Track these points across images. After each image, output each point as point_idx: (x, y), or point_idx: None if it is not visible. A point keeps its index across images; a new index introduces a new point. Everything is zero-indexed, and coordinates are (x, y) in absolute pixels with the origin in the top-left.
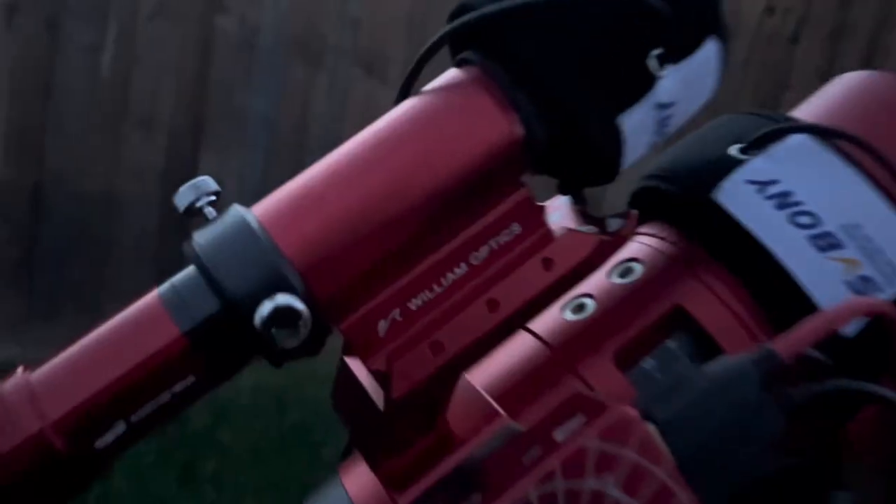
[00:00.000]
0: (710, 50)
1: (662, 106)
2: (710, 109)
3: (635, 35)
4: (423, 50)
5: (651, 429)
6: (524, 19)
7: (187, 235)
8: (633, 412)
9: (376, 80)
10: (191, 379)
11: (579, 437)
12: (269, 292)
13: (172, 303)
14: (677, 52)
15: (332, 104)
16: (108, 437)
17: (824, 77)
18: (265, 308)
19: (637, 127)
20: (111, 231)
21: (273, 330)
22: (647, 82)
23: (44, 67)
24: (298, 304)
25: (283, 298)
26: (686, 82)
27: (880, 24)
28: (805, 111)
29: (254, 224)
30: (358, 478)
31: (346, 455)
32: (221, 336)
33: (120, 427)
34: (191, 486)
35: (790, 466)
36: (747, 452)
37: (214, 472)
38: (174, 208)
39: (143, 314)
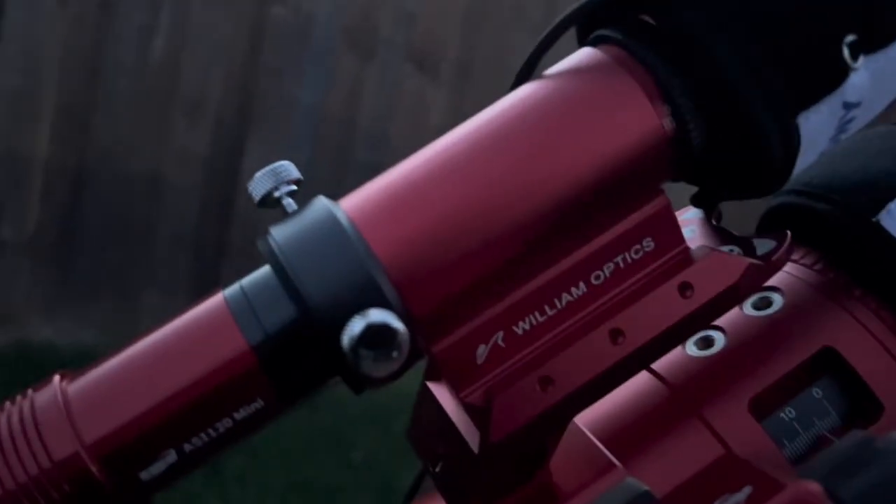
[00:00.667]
0: None
1: (849, 105)
2: None
3: (831, 13)
4: (555, 22)
5: None
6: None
7: (229, 223)
8: (817, 489)
9: (427, 77)
10: (257, 403)
11: None
12: (362, 306)
13: (241, 310)
14: (876, 40)
15: (381, 99)
16: (156, 468)
17: None
18: (356, 325)
19: (817, 129)
20: (152, 215)
21: (363, 352)
22: (839, 75)
23: (95, 47)
24: (396, 323)
25: (377, 315)
26: (878, 78)
27: None
28: None
29: (344, 222)
30: None
31: (412, 494)
32: (298, 354)
33: (171, 457)
34: (216, 484)
35: None
36: None
37: (240, 471)
38: (217, 195)
39: (205, 321)
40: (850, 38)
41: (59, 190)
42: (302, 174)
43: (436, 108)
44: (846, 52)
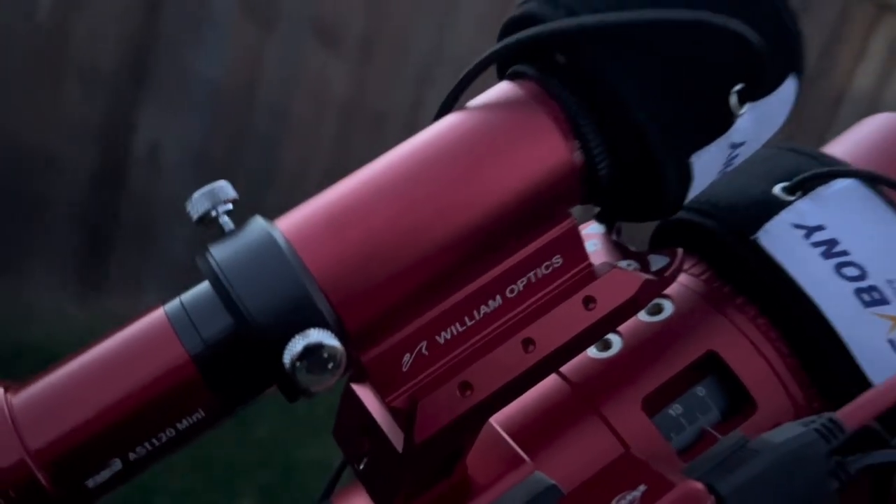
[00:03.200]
0: (789, 88)
1: (735, 145)
2: None
3: (722, 68)
4: (476, 61)
5: None
6: (606, 39)
7: (121, 197)
8: (700, 487)
9: (330, 51)
10: (199, 413)
11: None
12: (301, 326)
13: (182, 325)
14: (759, 90)
15: (281, 72)
16: (102, 476)
17: None
18: (297, 345)
19: (707, 165)
20: (42, 188)
21: (302, 369)
22: (727, 121)
23: None
24: (333, 342)
25: (316, 335)
26: (760, 121)
27: (831, 40)
28: (841, 151)
29: (281, 242)
30: None
31: (331, 487)
32: (237, 367)
33: (116, 465)
34: None
35: None
36: None
37: None
38: (110, 167)
39: (147, 334)
40: (738, 87)
41: None
42: (198, 146)
43: (338, 82)
44: (734, 100)
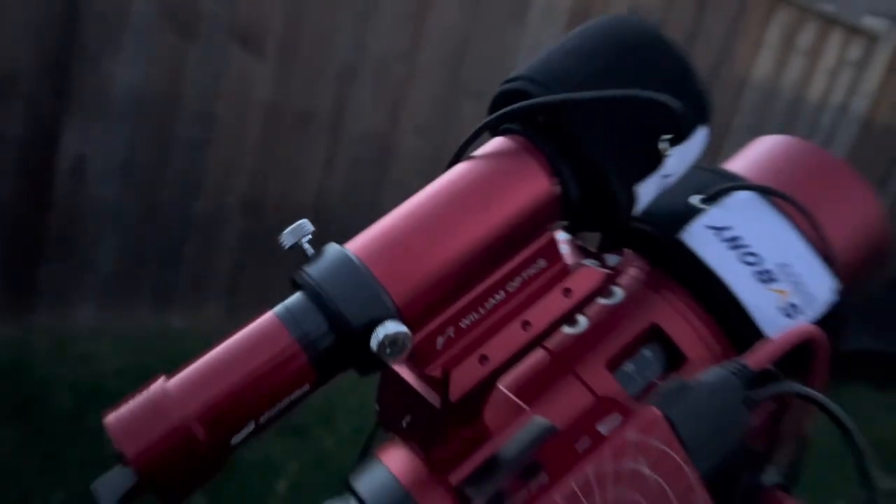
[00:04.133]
0: (701, 134)
1: (665, 176)
2: None
3: (655, 125)
4: (480, 124)
5: (667, 424)
6: (575, 109)
7: (46, 207)
8: (658, 412)
9: (252, 54)
10: (305, 387)
11: (623, 431)
12: (380, 320)
13: (292, 325)
14: (680, 138)
15: (205, 77)
16: (241, 435)
17: None
18: (380, 333)
19: (646, 192)
20: None
21: (385, 350)
22: (658, 160)
23: None
24: (404, 329)
25: (392, 325)
26: (682, 159)
27: (731, 30)
28: (739, 167)
29: (356, 261)
30: (398, 461)
31: (366, 449)
32: (332, 352)
33: (250, 426)
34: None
35: (752, 449)
36: (730, 440)
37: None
38: (34, 178)
39: (265, 332)
40: (666, 137)
41: None
42: (123, 154)
43: (261, 84)
44: (664, 146)
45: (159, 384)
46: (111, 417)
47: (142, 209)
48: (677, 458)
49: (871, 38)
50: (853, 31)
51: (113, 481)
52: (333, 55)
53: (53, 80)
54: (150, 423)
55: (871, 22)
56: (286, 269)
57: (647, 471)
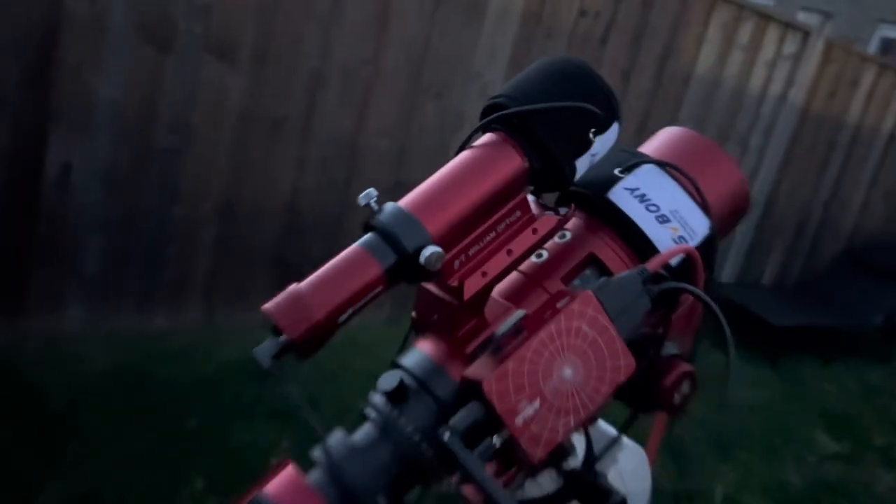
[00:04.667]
0: (615, 127)
1: (593, 155)
2: None
3: (584, 123)
4: (477, 126)
5: (596, 300)
6: (535, 115)
7: (32, 217)
8: (590, 293)
9: (225, 64)
10: (379, 288)
11: (570, 304)
12: (425, 245)
13: (375, 249)
14: (602, 131)
15: (181, 88)
16: (344, 317)
17: (626, 75)
18: (426, 252)
19: (581, 165)
20: None
21: (429, 262)
22: (588, 145)
23: None
24: (439, 249)
25: (432, 248)
26: (603, 143)
27: (675, 27)
28: (647, 149)
29: (405, 211)
30: (427, 346)
31: (402, 348)
32: (398, 268)
33: (350, 312)
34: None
35: (655, 332)
36: (637, 314)
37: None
38: (22, 191)
39: (353, 260)
40: (592, 130)
41: None
42: (105, 162)
43: (235, 93)
44: (591, 136)
45: (296, 287)
46: (269, 305)
47: (124, 214)
48: (603, 320)
49: (806, 33)
50: (788, 26)
51: (267, 347)
52: (302, 63)
53: (37, 93)
54: (294, 310)
55: (805, 17)
56: (262, 269)
57: (586, 328)
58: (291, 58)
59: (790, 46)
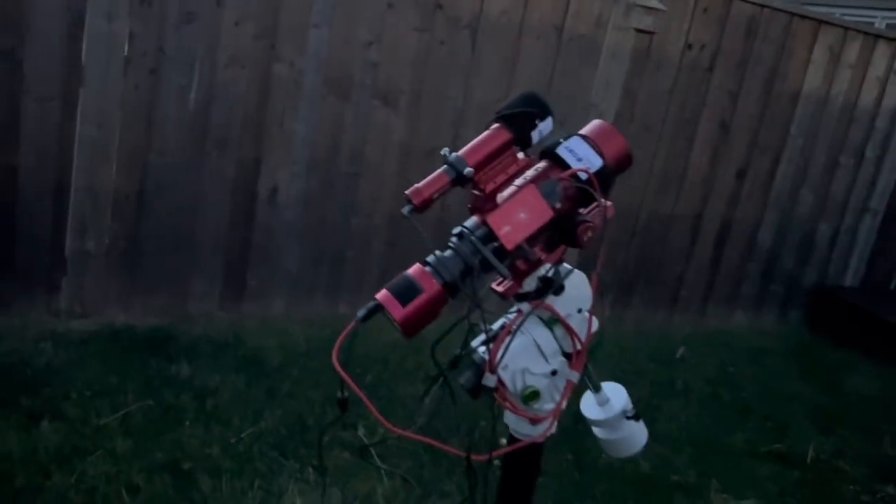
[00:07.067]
0: (550, 119)
1: (541, 132)
2: (645, 124)
3: (535, 118)
4: (491, 121)
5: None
6: (515, 115)
7: (250, 229)
8: (534, 186)
9: (391, 109)
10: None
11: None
12: (465, 169)
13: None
14: (542, 120)
15: (358, 127)
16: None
17: (734, 98)
18: (467, 171)
19: (534, 136)
20: (195, 230)
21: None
22: (535, 126)
23: (147, 103)
24: (472, 169)
25: (470, 171)
26: (546, 126)
27: (779, 53)
28: (583, 130)
29: (459, 156)
30: (474, 216)
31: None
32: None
33: None
34: (275, 403)
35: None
36: (554, 196)
37: None
38: (240, 210)
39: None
40: (538, 120)
41: (125, 210)
42: (301, 187)
43: (397, 129)
44: (537, 121)
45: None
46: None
47: (316, 226)
48: (538, 197)
49: None
50: None
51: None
52: (448, 104)
53: (254, 136)
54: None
55: None
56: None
57: (531, 199)
58: (439, 100)
59: None
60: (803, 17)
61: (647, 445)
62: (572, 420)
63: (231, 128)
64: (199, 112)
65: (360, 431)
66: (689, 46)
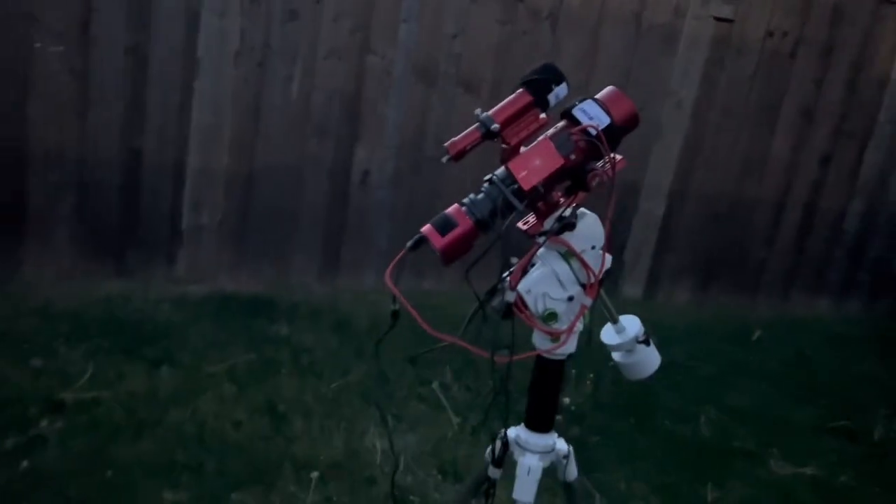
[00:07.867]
0: (564, 84)
1: (557, 96)
2: (725, 111)
3: (551, 83)
4: (517, 84)
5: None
6: (535, 81)
7: (345, 209)
8: (549, 139)
9: (473, 95)
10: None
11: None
12: (493, 125)
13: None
14: (558, 84)
15: (442, 114)
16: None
17: (818, 84)
18: (494, 126)
19: (551, 98)
20: (294, 206)
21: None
22: (551, 90)
23: (255, 93)
24: (498, 125)
25: (496, 126)
26: (562, 90)
27: (866, 39)
28: (597, 95)
29: (489, 114)
30: (502, 166)
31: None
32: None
33: None
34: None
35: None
36: (567, 146)
37: None
38: (339, 190)
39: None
40: (555, 85)
41: (236, 191)
42: (391, 168)
43: None
44: (554, 86)
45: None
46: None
47: (404, 205)
48: (551, 148)
49: None
50: None
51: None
52: None
53: (349, 123)
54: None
55: None
56: (508, 248)
57: (544, 148)
58: None
59: None
60: (891, 2)
61: (658, 370)
62: (639, 388)
63: (329, 115)
64: (300, 101)
65: (435, 385)
66: (771, 34)
